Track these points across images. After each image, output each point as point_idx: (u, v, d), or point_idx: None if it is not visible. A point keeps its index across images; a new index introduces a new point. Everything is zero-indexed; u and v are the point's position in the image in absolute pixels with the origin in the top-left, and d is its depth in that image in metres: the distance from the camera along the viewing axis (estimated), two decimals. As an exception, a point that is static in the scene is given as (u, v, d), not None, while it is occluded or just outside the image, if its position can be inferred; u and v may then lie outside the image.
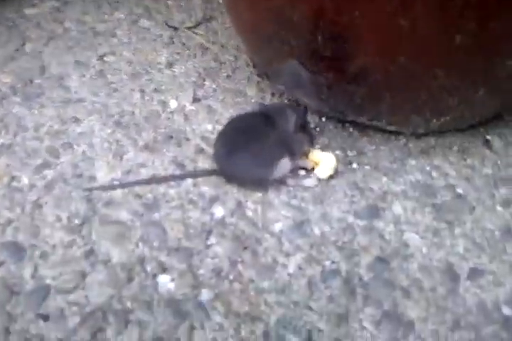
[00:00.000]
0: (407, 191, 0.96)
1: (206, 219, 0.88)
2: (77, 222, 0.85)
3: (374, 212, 0.92)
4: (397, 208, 0.93)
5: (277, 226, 0.88)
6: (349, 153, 1.03)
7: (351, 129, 1.08)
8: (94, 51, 1.18)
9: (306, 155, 0.97)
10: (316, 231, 0.88)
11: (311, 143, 0.97)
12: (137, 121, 1.03)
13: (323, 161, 0.96)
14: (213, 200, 0.91)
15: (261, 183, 0.92)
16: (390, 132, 1.06)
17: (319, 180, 0.96)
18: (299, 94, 1.02)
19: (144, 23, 1.28)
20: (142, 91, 1.10)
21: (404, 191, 0.96)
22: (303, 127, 0.93)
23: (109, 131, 1.01)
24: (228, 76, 1.17)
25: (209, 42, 1.24)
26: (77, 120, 1.02)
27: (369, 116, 1.01)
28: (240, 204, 0.91)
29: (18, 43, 1.18)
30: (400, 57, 0.84)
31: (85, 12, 1.29)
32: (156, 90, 1.11)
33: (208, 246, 0.84)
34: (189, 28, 1.27)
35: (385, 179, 0.98)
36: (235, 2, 1.00)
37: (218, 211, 0.90)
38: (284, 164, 0.91)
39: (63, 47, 1.18)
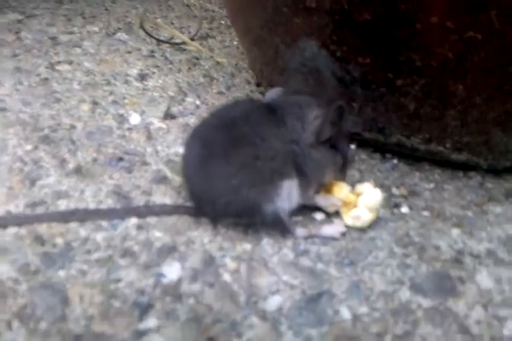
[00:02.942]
0: (495, 252, 0.57)
1: (146, 283, 0.50)
2: None
3: (445, 284, 0.53)
4: (485, 279, 0.54)
5: (273, 302, 0.49)
6: (394, 192, 0.65)
7: (395, 160, 0.71)
8: (45, 60, 0.88)
9: (327, 187, 0.60)
10: (344, 313, 0.49)
11: (343, 170, 0.60)
12: (75, 137, 0.70)
13: (358, 198, 0.58)
14: (166, 252, 0.54)
15: (250, 217, 0.54)
16: (455, 165, 0.69)
17: (347, 228, 0.58)
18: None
19: (122, 36, 1.00)
20: (95, 103, 0.77)
21: (492, 252, 0.57)
22: (332, 138, 0.56)
23: (28, 147, 0.67)
24: (220, 92, 0.84)
25: (200, 59, 0.94)
26: (-14, 132, 0.69)
27: (425, 136, 0.65)
28: (211, 261, 0.53)
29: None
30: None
31: (51, 24, 1.02)
32: (114, 102, 0.78)
33: (139, 336, 0.45)
34: (177, 44, 0.98)
35: (456, 232, 0.60)
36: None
37: (171, 270, 0.52)
38: (288, 189, 0.54)
39: (7, 54, 0.89)
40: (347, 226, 0.58)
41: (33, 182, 0.61)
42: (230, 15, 0.81)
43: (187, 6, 1.19)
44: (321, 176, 0.57)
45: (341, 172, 0.59)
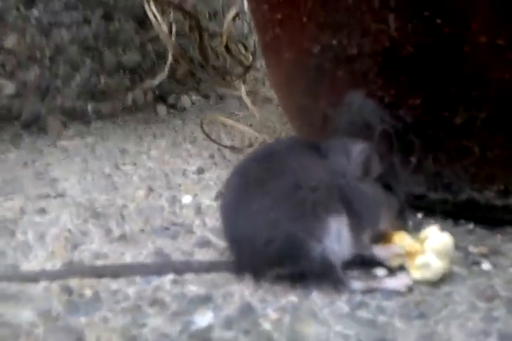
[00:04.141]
0: None
1: (172, 330, 0.43)
2: None
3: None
4: None
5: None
6: (472, 250, 0.56)
7: (471, 226, 0.63)
8: (112, 163, 0.93)
9: (387, 238, 0.52)
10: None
11: (402, 216, 0.53)
12: (125, 212, 0.69)
13: (425, 247, 0.50)
14: (199, 302, 0.47)
15: (295, 262, 0.47)
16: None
17: (416, 283, 0.49)
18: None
19: (186, 145, 1.05)
20: (150, 189, 0.78)
21: None
22: (384, 177, 0.51)
23: (78, 221, 0.66)
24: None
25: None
26: (42, 211, 0.70)
27: (500, 187, 0.59)
28: (248, 309, 0.45)
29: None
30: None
31: (123, 141, 1.10)
32: (169, 188, 0.79)
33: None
34: (237, 148, 1.01)
35: (554, 286, 0.48)
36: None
37: (202, 318, 0.44)
38: (337, 227, 0.48)
39: (78, 160, 0.95)
40: (415, 281, 0.49)
41: (74, 247, 0.59)
42: (277, 92, 0.83)
43: (250, 125, 1.26)
44: (374, 218, 0.50)
45: (400, 220, 0.53)
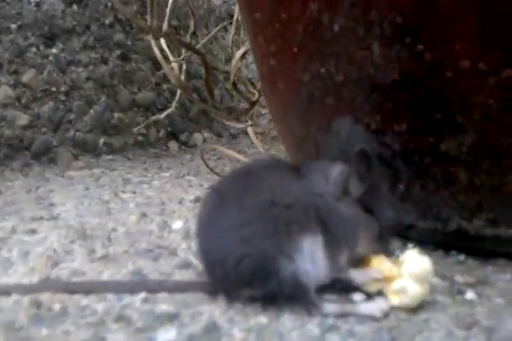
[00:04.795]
0: None
1: (133, 345, 0.42)
2: None
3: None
4: None
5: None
6: (458, 279, 0.54)
7: (462, 257, 0.61)
8: (112, 191, 0.94)
9: (365, 263, 0.51)
10: None
11: (383, 241, 0.52)
12: (114, 235, 0.69)
13: (403, 272, 0.48)
14: (166, 319, 0.46)
15: (266, 281, 0.46)
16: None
17: (393, 309, 0.47)
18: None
19: (189, 177, 1.06)
20: (143, 215, 0.78)
21: None
22: (365, 199, 0.50)
23: (64, 241, 0.66)
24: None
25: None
26: (32, 232, 0.70)
27: (489, 216, 0.57)
28: (214, 328, 0.44)
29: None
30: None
31: (129, 172, 1.12)
32: (162, 214, 0.79)
33: None
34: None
35: (541, 317, 0.46)
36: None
37: (165, 335, 0.43)
38: (311, 247, 0.47)
39: (81, 187, 0.97)
40: (392, 307, 0.47)
41: (55, 264, 0.59)
42: (275, 123, 0.84)
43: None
44: (352, 240, 0.49)
45: (381, 244, 0.51)
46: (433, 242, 0.63)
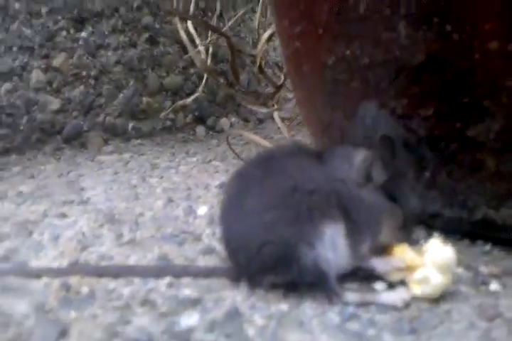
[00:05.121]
0: None
1: (157, 329, 0.43)
2: None
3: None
4: None
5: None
6: (482, 270, 0.53)
7: (488, 247, 0.60)
8: (140, 176, 0.96)
9: (388, 251, 0.51)
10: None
11: (406, 229, 0.51)
12: (141, 220, 0.70)
13: (425, 261, 0.48)
14: (189, 304, 0.47)
15: (287, 267, 0.46)
16: None
17: (415, 299, 0.47)
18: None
19: (215, 163, 1.07)
20: (170, 200, 0.80)
21: None
22: (389, 186, 0.50)
23: (94, 225, 0.68)
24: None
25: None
26: (62, 215, 0.73)
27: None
28: (236, 313, 0.45)
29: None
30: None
31: (157, 157, 1.13)
32: (188, 199, 0.80)
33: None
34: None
35: None
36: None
37: (188, 319, 0.44)
38: (332, 234, 0.47)
39: (110, 172, 0.99)
40: (414, 297, 0.47)
41: (84, 248, 0.61)
42: (300, 107, 0.83)
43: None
44: (374, 228, 0.49)
45: (404, 232, 0.51)
46: (459, 231, 0.62)
